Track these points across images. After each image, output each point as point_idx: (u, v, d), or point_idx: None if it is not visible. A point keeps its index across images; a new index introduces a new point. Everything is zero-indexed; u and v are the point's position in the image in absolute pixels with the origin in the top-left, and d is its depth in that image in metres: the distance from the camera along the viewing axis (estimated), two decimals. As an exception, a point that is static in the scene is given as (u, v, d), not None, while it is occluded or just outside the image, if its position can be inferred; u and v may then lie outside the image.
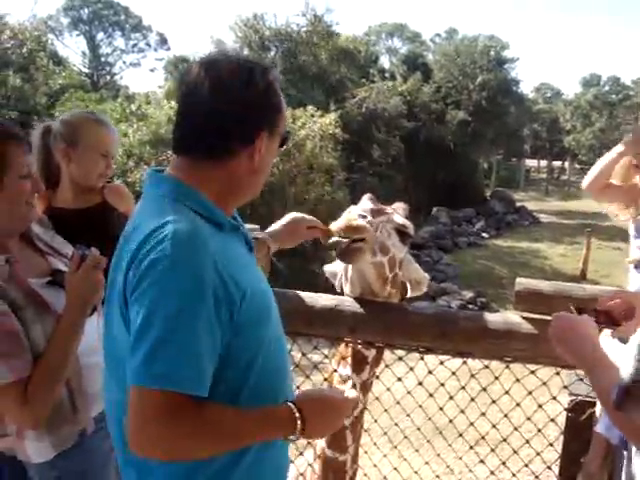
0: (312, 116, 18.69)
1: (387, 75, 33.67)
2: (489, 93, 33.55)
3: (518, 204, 31.89)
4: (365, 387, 2.71)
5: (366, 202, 2.56)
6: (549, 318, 2.57)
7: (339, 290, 2.80)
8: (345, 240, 2.36)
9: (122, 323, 1.54)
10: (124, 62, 45.55)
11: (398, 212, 2.63)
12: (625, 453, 2.15)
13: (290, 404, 1.64)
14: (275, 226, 2.49)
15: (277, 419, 1.63)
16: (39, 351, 2.06)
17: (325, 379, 2.80)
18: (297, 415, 1.62)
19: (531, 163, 55.79)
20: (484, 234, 25.91)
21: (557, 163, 56.71)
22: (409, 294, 2.75)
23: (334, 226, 2.39)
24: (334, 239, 2.38)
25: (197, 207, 1.60)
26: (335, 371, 2.74)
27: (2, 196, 2.08)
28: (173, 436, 1.47)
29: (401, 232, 2.57)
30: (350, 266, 2.58)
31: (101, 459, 2.28)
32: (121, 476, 1.75)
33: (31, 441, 2.17)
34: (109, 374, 1.68)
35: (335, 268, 2.83)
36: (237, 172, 1.66)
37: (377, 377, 2.87)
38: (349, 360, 2.69)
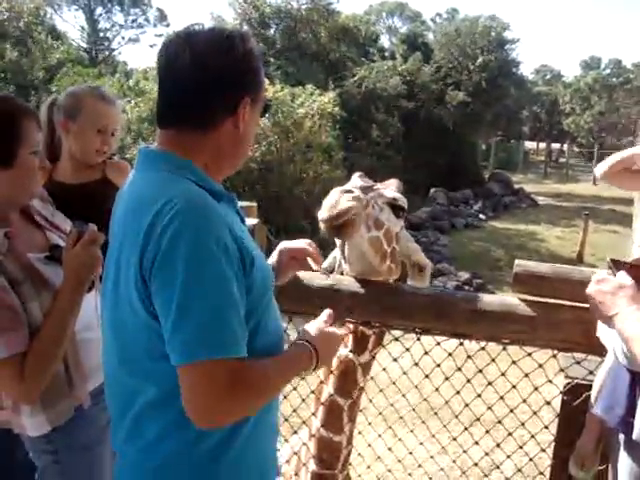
0: (311, 94, 18.60)
1: (387, 54, 33.47)
2: (489, 74, 33.37)
3: (516, 186, 31.83)
4: (365, 368, 2.71)
5: (356, 180, 2.56)
6: (547, 300, 2.59)
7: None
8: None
9: (139, 303, 1.53)
10: (123, 37, 45.18)
11: (391, 188, 2.62)
12: (622, 436, 2.15)
13: (308, 345, 1.76)
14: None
15: (302, 360, 1.75)
16: (36, 326, 2.06)
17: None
18: (314, 353, 1.75)
19: (530, 145, 55.68)
20: (481, 216, 25.85)
21: (556, 146, 56.60)
22: (410, 282, 2.72)
23: (321, 220, 2.36)
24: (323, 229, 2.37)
25: (195, 179, 1.61)
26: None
27: (14, 170, 2.08)
28: (237, 401, 1.53)
29: (394, 206, 2.55)
30: (347, 246, 2.56)
31: (97, 434, 2.29)
32: (117, 454, 1.74)
33: (27, 416, 2.17)
34: (117, 360, 1.67)
35: (331, 257, 2.81)
36: (222, 141, 1.67)
37: (373, 357, 2.87)
38: (348, 340, 2.68)
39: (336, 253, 2.78)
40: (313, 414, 2.76)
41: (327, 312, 1.93)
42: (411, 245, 2.70)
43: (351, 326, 2.73)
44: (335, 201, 2.33)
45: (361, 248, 2.51)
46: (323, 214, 2.33)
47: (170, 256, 1.45)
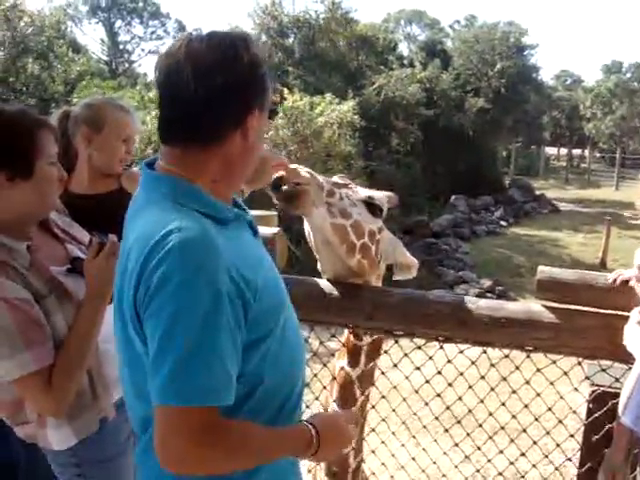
0: (330, 103, 18.60)
1: (406, 62, 33.41)
2: (508, 80, 33.26)
3: (537, 192, 31.67)
4: (363, 379, 2.69)
5: (334, 178, 2.56)
6: (571, 307, 2.56)
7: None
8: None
9: (136, 335, 1.50)
10: (142, 49, 45.59)
11: (384, 200, 2.63)
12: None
13: (312, 429, 1.65)
14: None
15: (299, 441, 1.64)
16: (61, 339, 2.07)
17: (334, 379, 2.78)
18: (315, 441, 1.64)
19: (551, 151, 55.38)
20: (502, 222, 25.74)
21: (577, 151, 56.23)
22: (396, 276, 2.71)
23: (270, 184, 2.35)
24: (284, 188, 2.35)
25: (199, 206, 1.53)
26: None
27: (33, 182, 2.08)
28: (203, 453, 1.44)
29: (370, 204, 2.55)
30: (310, 229, 2.55)
31: (120, 446, 2.28)
32: (137, 465, 1.73)
33: (52, 429, 2.17)
34: (129, 379, 1.64)
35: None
36: (231, 154, 1.59)
37: (395, 365, 2.85)
38: (344, 355, 2.70)
39: None
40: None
41: (349, 414, 1.88)
42: (398, 249, 2.70)
43: (343, 339, 2.73)
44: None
45: (324, 232, 2.47)
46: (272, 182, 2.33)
47: (156, 299, 1.40)
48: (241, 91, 1.55)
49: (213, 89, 1.51)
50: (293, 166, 2.39)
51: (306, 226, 2.57)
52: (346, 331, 2.75)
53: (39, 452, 2.28)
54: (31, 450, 2.31)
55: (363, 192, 2.59)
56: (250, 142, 1.60)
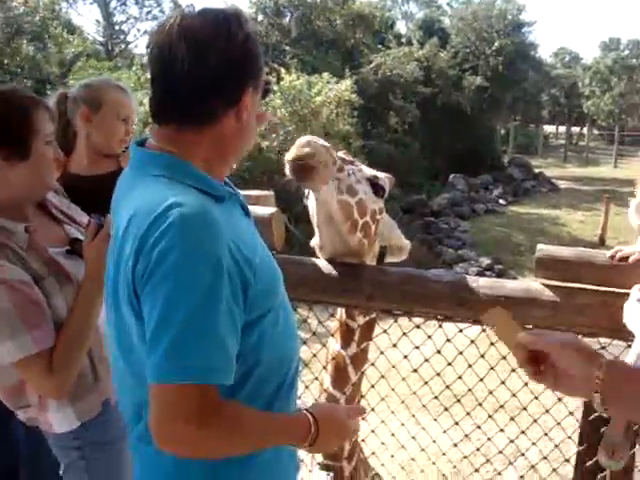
0: (328, 82, 18.52)
1: (403, 41, 33.26)
2: (506, 58, 33.11)
3: (536, 170, 31.65)
4: (357, 360, 2.70)
5: (338, 153, 2.54)
6: (570, 285, 2.54)
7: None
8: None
9: (132, 315, 1.46)
10: (138, 30, 45.16)
11: (387, 181, 2.64)
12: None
13: (311, 418, 1.61)
14: None
15: (296, 429, 1.61)
16: (61, 321, 2.05)
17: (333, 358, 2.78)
18: (313, 431, 1.60)
19: (549, 129, 55.28)
20: (501, 201, 25.74)
21: (576, 129, 56.09)
22: (387, 259, 2.72)
23: (287, 159, 2.33)
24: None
25: (195, 183, 1.50)
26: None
27: (29, 162, 2.06)
28: (201, 433, 1.42)
29: (374, 184, 2.56)
30: (315, 204, 2.53)
31: (121, 429, 2.28)
32: (133, 452, 1.73)
33: (54, 412, 2.16)
34: (125, 365, 1.59)
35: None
36: (225, 134, 1.56)
37: (394, 345, 2.85)
38: (337, 334, 2.70)
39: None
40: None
41: (358, 407, 1.85)
42: (394, 232, 2.70)
43: (336, 319, 2.74)
44: (306, 142, 2.31)
45: (330, 207, 2.47)
46: (290, 154, 2.31)
47: (155, 276, 1.37)
48: (235, 69, 1.52)
49: (208, 67, 1.48)
50: (308, 138, 2.37)
51: (310, 201, 2.56)
52: (339, 311, 2.75)
53: (42, 443, 2.28)
54: (33, 437, 2.32)
55: (367, 171, 2.59)
56: (244, 121, 1.57)
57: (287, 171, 2.34)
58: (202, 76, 1.49)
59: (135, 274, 1.41)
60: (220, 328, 1.39)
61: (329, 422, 1.64)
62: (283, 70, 17.86)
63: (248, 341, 1.52)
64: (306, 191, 2.57)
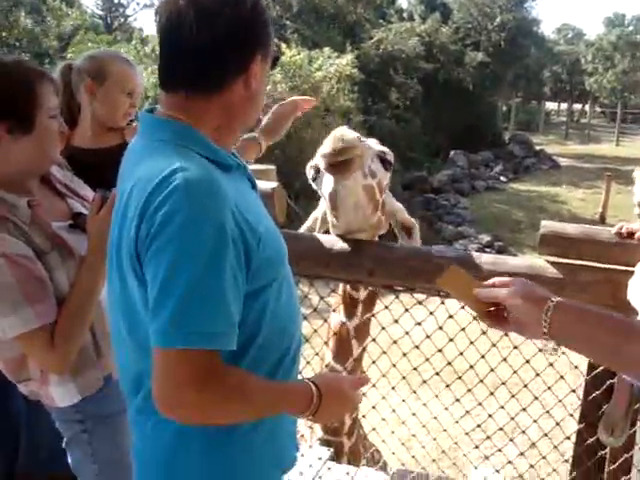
0: (329, 57, 18.41)
1: (405, 16, 33.01)
2: (509, 34, 32.90)
3: (537, 148, 31.55)
4: (360, 331, 2.71)
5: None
6: (573, 262, 2.53)
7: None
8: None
9: (136, 282, 1.45)
10: (137, 4, 44.92)
11: (390, 154, 2.65)
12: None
13: (314, 387, 1.60)
14: (263, 122, 2.50)
15: (299, 397, 1.60)
16: (63, 296, 2.04)
17: (335, 333, 2.78)
18: (316, 400, 1.59)
19: (551, 106, 55.10)
20: (502, 178, 25.69)
21: (577, 106, 55.89)
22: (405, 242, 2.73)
23: (323, 155, 2.32)
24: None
25: (204, 151, 1.49)
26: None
27: (34, 135, 2.03)
28: (203, 398, 1.41)
29: (382, 159, 2.57)
30: (340, 191, 2.50)
31: (124, 403, 2.28)
32: (132, 425, 1.72)
33: (55, 386, 2.16)
34: (128, 335, 1.58)
35: (311, 219, 2.80)
36: (234, 102, 1.54)
37: (396, 321, 2.84)
38: (340, 306, 2.71)
39: (317, 214, 2.76)
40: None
41: (361, 378, 1.83)
42: (395, 204, 2.70)
43: (340, 291, 2.74)
44: (341, 134, 2.29)
45: (355, 195, 2.47)
46: (327, 148, 2.29)
47: (158, 240, 1.36)
48: (244, 36, 1.50)
49: (217, 34, 1.47)
50: (342, 130, 2.35)
51: (325, 185, 2.53)
52: (341, 284, 2.75)
53: (42, 410, 2.28)
54: (33, 408, 2.31)
55: (375, 146, 2.58)
56: (253, 90, 1.56)
57: (320, 164, 2.34)
58: (211, 42, 1.47)
59: (138, 237, 1.40)
60: (224, 293, 1.38)
61: (332, 392, 1.63)
62: (284, 45, 17.73)
63: (250, 311, 1.51)
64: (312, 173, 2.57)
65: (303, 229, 2.84)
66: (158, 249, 1.36)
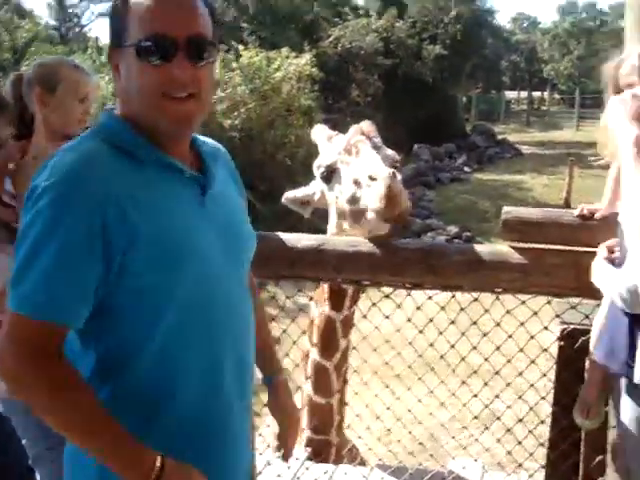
0: (287, 58, 18.35)
1: (361, 12, 33.05)
2: (465, 26, 33.04)
3: (499, 137, 31.76)
4: (346, 324, 2.71)
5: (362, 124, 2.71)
6: (538, 246, 2.54)
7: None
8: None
9: None
10: (92, 12, 44.38)
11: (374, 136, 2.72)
12: (624, 381, 2.10)
13: (160, 462, 1.38)
14: None
15: (136, 457, 1.39)
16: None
17: (312, 321, 2.76)
18: (154, 477, 1.37)
19: (511, 95, 55.42)
20: (466, 168, 25.79)
21: (537, 94, 56.37)
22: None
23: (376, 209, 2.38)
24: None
25: (118, 142, 1.47)
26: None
27: None
28: (18, 369, 1.38)
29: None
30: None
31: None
32: None
33: None
34: None
35: (310, 190, 2.78)
36: (119, 90, 1.56)
37: (365, 317, 2.83)
38: (326, 299, 2.69)
39: (317, 187, 2.74)
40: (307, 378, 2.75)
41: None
42: None
43: (321, 284, 2.73)
44: (400, 191, 2.37)
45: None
46: (379, 204, 2.34)
47: (24, 210, 1.42)
48: (112, 24, 1.54)
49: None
50: (396, 184, 2.37)
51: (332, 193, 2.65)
52: None
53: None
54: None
55: (389, 153, 2.67)
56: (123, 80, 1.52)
57: (370, 217, 2.42)
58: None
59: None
60: (54, 267, 1.36)
61: (179, 476, 1.41)
62: (241, 47, 17.64)
63: (136, 318, 1.45)
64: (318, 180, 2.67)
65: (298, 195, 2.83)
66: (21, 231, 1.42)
